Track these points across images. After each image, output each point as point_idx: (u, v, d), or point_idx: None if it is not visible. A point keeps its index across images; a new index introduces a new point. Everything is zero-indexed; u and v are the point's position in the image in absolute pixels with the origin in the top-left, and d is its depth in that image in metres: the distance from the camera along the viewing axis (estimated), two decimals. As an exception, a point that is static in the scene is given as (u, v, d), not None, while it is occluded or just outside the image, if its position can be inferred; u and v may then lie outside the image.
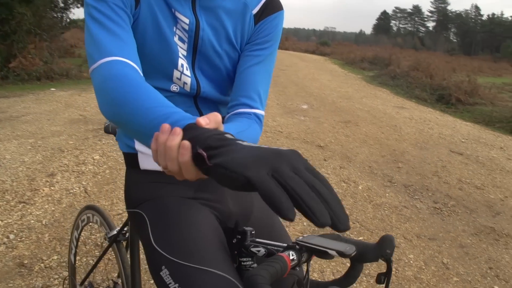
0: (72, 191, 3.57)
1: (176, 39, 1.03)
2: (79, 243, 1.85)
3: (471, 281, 2.74)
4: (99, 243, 2.78)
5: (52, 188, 3.60)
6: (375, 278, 0.95)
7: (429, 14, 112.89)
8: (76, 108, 6.83)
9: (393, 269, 2.70)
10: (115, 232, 1.48)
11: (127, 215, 1.14)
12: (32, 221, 3.03)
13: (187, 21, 1.02)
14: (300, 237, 0.87)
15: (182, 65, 1.05)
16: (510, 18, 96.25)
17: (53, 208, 3.25)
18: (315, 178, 0.57)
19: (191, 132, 0.66)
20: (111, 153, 4.60)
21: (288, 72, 14.61)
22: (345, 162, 5.11)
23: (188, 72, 1.07)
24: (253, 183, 0.54)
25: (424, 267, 2.86)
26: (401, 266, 2.84)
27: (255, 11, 1.11)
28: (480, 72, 24.00)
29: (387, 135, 6.77)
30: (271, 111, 7.52)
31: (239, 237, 0.97)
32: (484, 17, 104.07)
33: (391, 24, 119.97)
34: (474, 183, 4.72)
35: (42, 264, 2.54)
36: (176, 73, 1.05)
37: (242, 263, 0.96)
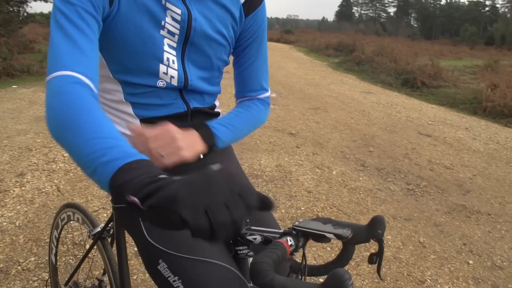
0: (44, 190, 3.48)
1: (164, 32, 1.00)
2: (59, 242, 1.81)
3: (447, 258, 2.82)
4: (77, 242, 2.72)
5: (23, 188, 3.50)
6: (367, 259, 0.96)
7: (390, 0, 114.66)
8: (41, 105, 6.63)
9: (372, 249, 2.75)
10: (99, 229, 1.44)
11: (103, 211, 1.12)
12: (5, 223, 2.94)
13: (179, 11, 0.99)
14: (296, 223, 0.87)
15: (167, 59, 1.02)
16: (466, 3, 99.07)
17: (25, 209, 3.15)
18: (239, 198, 0.57)
19: (125, 175, 0.63)
20: (81, 149, 4.50)
21: (254, 61, 14.51)
22: (318, 148, 5.16)
23: (175, 65, 1.04)
24: (189, 227, 0.53)
25: (402, 247, 2.93)
26: (379, 247, 2.89)
27: (242, 0, 1.11)
28: (441, 56, 24.59)
29: (356, 120, 6.85)
30: (241, 101, 7.50)
31: None
32: (443, 2, 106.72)
33: (353, 10, 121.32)
34: (444, 164, 4.84)
35: (19, 267, 2.47)
36: (162, 68, 1.02)
37: (239, 252, 0.96)
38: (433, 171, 4.55)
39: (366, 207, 3.53)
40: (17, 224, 2.94)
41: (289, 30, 45.44)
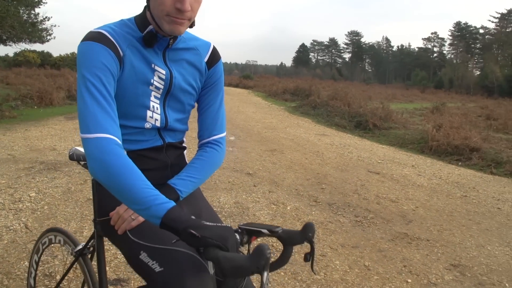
0: (12, 228, 3.62)
1: (152, 87, 1.34)
2: (39, 266, 2.02)
3: (389, 278, 3.15)
4: (48, 273, 2.89)
5: (-10, 226, 3.63)
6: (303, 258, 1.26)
7: (345, 46, 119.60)
8: (3, 148, 6.73)
9: (322, 273, 3.06)
10: (80, 246, 1.68)
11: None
12: (-25, 259, 3.08)
13: (164, 72, 1.35)
14: (241, 223, 1.18)
15: (153, 106, 1.37)
16: (416, 49, 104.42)
17: (-6, 245, 3.30)
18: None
19: (174, 213, 1.02)
20: (47, 190, 4.66)
21: (215, 105, 14.90)
22: (273, 186, 5.49)
23: (158, 111, 1.39)
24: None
25: (348, 270, 3.24)
26: (328, 271, 3.20)
27: (206, 59, 1.48)
28: (394, 99, 25.84)
29: (310, 160, 7.27)
30: (201, 143, 7.80)
31: None
32: (395, 48, 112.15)
33: (310, 56, 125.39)
34: (390, 198, 5.26)
35: (-9, 298, 2.62)
36: (149, 113, 1.37)
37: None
38: (380, 205, 4.95)
39: (318, 237, 3.85)
40: (-13, 260, 3.08)
41: (248, 76, 46.44)
